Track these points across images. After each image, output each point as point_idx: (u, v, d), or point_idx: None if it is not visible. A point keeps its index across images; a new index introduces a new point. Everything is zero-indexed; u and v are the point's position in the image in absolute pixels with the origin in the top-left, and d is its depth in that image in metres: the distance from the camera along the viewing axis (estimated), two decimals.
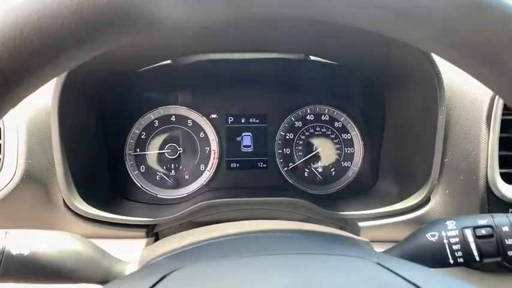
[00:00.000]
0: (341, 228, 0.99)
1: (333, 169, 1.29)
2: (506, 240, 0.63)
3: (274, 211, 1.03)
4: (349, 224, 1.03)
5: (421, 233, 0.70)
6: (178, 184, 1.25)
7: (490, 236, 0.64)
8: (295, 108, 1.31)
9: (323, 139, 1.30)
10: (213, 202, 0.97)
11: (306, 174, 1.29)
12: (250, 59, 1.17)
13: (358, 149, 1.29)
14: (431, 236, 0.68)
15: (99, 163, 1.11)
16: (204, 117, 1.27)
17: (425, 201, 0.94)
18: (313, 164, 1.30)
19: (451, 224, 0.68)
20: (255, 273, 0.44)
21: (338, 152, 1.30)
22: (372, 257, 0.49)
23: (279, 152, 1.29)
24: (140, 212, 1.07)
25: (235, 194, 1.07)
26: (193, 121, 1.27)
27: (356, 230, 0.99)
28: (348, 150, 1.30)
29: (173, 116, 1.27)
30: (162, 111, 1.27)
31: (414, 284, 0.42)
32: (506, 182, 0.88)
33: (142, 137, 1.25)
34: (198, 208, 0.97)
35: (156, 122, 1.26)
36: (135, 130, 1.24)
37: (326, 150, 1.29)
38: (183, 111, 1.27)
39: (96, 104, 1.09)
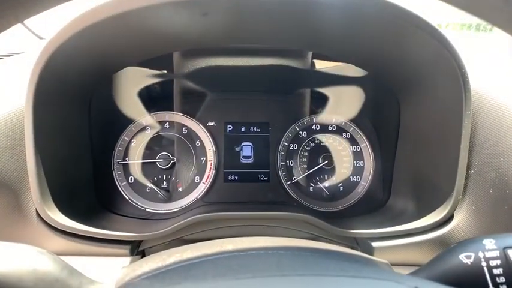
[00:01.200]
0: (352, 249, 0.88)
1: (341, 184, 1.18)
2: None
3: (275, 228, 0.91)
4: (361, 245, 0.92)
5: (452, 253, 0.59)
6: (170, 197, 1.13)
7: None
8: (300, 116, 1.20)
9: (330, 151, 1.19)
10: (206, 216, 0.86)
11: (311, 189, 1.18)
12: (252, 65, 1.08)
13: (369, 162, 1.18)
14: (466, 258, 0.57)
15: (82, 171, 1.00)
16: (200, 125, 1.17)
17: (448, 218, 0.83)
18: (319, 178, 1.18)
19: (489, 243, 0.57)
20: None
21: (346, 165, 1.19)
22: (408, 280, 0.39)
23: (282, 164, 1.18)
24: (126, 226, 0.95)
25: (233, 209, 0.95)
26: (188, 128, 1.17)
27: (369, 251, 0.87)
28: (357, 163, 1.19)
29: (167, 123, 1.17)
30: (155, 117, 1.17)
31: None
32: None
33: (132, 144, 1.14)
34: (190, 223, 0.85)
35: (148, 128, 1.16)
36: (125, 137, 1.14)
37: (333, 163, 1.18)
38: (178, 117, 1.17)
39: (81, 106, 0.98)
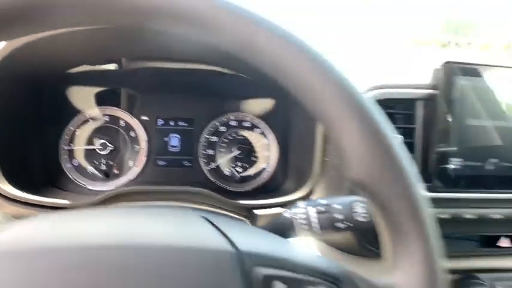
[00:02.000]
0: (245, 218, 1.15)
1: (251, 169, 1.44)
2: (334, 215, 0.78)
3: (182, 200, 1.16)
4: (252, 215, 1.18)
5: (282, 213, 0.86)
6: (108, 178, 1.37)
7: (325, 212, 0.80)
8: (220, 114, 1.46)
9: (244, 143, 1.45)
10: (121, 190, 1.10)
11: (226, 173, 1.44)
12: (178, 68, 1.33)
13: (274, 152, 1.45)
14: (287, 214, 0.84)
15: (31, 154, 1.23)
16: (135, 119, 1.40)
17: (310, 193, 1.11)
18: (234, 164, 1.44)
19: (301, 204, 0.84)
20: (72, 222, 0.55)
21: (256, 155, 1.45)
22: (205, 214, 0.63)
23: (203, 153, 1.43)
24: (66, 199, 1.19)
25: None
26: (125, 121, 1.40)
27: (255, 220, 1.14)
28: (265, 153, 1.45)
29: (107, 116, 1.40)
30: (98, 110, 1.40)
31: (224, 234, 0.54)
32: None
33: (76, 133, 1.37)
34: (111, 195, 1.10)
35: (91, 120, 1.39)
36: (70, 127, 1.36)
37: (246, 153, 1.44)
38: (118, 112, 1.40)
39: (32, 97, 1.21)
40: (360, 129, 0.50)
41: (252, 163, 1.45)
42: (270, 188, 1.40)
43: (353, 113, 0.50)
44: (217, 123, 1.45)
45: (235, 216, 1.01)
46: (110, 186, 1.36)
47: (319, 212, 0.80)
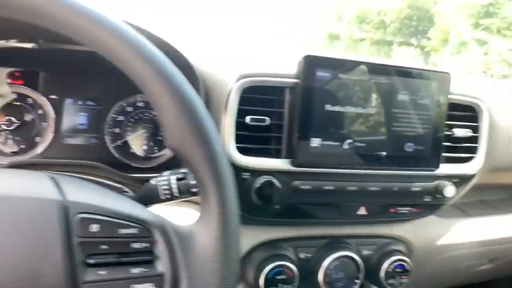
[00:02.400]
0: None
1: (156, 148, 1.57)
2: (190, 181, 0.93)
3: (80, 173, 1.27)
4: None
5: (149, 182, 0.99)
6: (16, 153, 1.44)
7: (183, 178, 0.94)
8: (128, 95, 1.56)
9: (150, 123, 1.57)
10: (16, 161, 1.20)
11: (132, 150, 1.55)
12: (89, 51, 1.40)
13: None
14: (153, 181, 0.97)
15: None
16: (44, 97, 1.48)
17: None
18: (140, 142, 1.56)
19: (166, 173, 0.98)
20: None
21: (162, 134, 1.57)
22: (57, 176, 0.74)
23: (109, 131, 1.53)
24: None
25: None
26: (33, 99, 1.47)
27: None
28: None
29: (16, 94, 1.46)
30: (8, 88, 1.46)
31: (60, 188, 0.66)
32: (245, 154, 1.19)
33: None
34: (9, 165, 1.18)
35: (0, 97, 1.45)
36: None
37: (152, 132, 1.56)
38: (25, 90, 1.47)
39: None
40: (172, 103, 0.64)
41: (157, 142, 1.57)
42: (172, 164, 1.52)
43: (166, 90, 0.64)
44: (124, 104, 1.55)
45: (119, 186, 1.13)
46: (16, 159, 1.43)
47: (178, 179, 0.94)
